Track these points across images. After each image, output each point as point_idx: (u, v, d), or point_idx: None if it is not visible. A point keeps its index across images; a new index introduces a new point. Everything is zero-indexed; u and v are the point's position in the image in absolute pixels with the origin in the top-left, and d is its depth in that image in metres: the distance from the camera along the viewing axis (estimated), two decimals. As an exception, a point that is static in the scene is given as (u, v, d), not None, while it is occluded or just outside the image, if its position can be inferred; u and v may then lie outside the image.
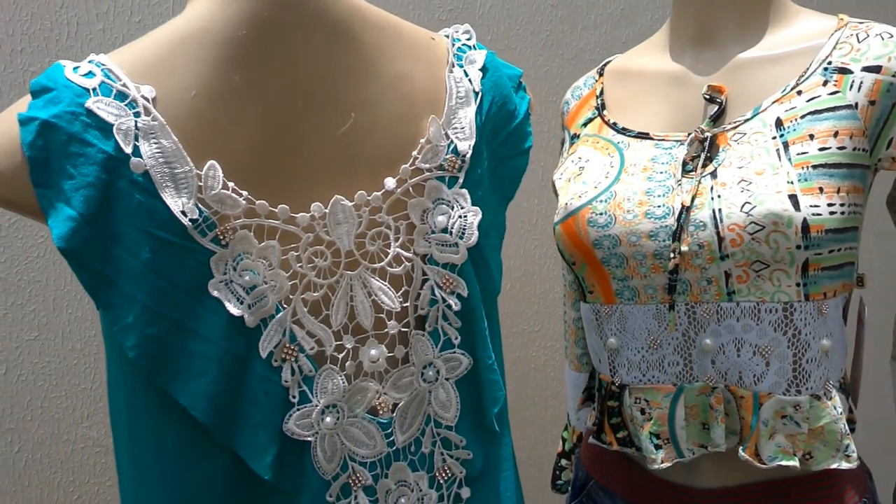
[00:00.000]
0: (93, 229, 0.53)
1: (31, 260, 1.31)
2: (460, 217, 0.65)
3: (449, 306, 0.65)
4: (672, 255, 0.76)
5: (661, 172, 0.80)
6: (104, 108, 0.54)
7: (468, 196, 0.65)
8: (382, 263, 0.63)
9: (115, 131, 0.54)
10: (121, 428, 0.61)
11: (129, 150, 0.54)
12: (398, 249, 0.64)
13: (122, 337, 0.54)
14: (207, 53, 0.57)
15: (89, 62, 0.56)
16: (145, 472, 0.59)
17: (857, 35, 0.78)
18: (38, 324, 1.34)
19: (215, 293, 0.56)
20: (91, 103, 0.53)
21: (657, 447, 0.79)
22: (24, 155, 0.52)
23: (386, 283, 0.63)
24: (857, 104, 0.75)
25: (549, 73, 1.63)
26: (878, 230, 0.86)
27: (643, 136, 0.85)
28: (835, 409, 0.74)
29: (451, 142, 0.66)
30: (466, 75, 0.68)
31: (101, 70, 0.55)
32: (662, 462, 0.79)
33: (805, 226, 0.71)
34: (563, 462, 1.10)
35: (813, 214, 0.71)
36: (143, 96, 0.55)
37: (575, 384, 1.07)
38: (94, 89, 0.54)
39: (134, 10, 1.32)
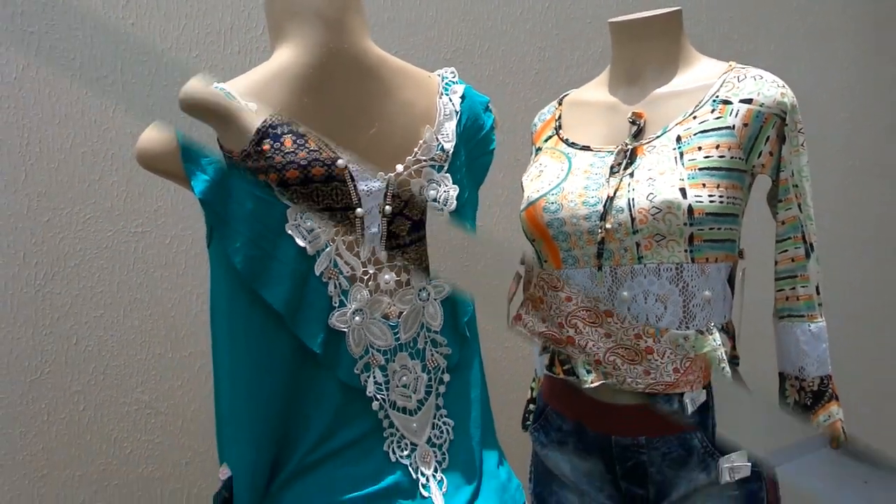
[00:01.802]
0: (218, 188, 0.92)
1: (100, 250, 1.66)
2: (444, 191, 1.04)
3: None
4: (599, 231, 1.13)
5: (596, 174, 1.17)
6: None
7: (450, 178, 1.05)
8: None
9: None
10: (220, 321, 1.00)
11: None
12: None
13: (233, 255, 0.93)
14: (288, 84, 0.97)
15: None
16: (238, 348, 0.97)
17: (738, 76, 1.14)
18: (104, 303, 1.67)
19: (289, 232, 0.95)
20: None
21: (588, 371, 1.16)
22: (178, 142, 0.92)
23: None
24: (734, 126, 1.10)
25: (536, 105, 1.92)
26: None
27: (586, 148, 1.22)
28: (714, 341, 1.09)
29: (440, 143, 1.06)
30: (451, 101, 1.08)
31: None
32: (592, 382, 1.15)
33: (690, 209, 1.06)
34: (531, 406, 1.47)
35: (696, 202, 1.06)
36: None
37: (540, 342, 1.44)
38: None
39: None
